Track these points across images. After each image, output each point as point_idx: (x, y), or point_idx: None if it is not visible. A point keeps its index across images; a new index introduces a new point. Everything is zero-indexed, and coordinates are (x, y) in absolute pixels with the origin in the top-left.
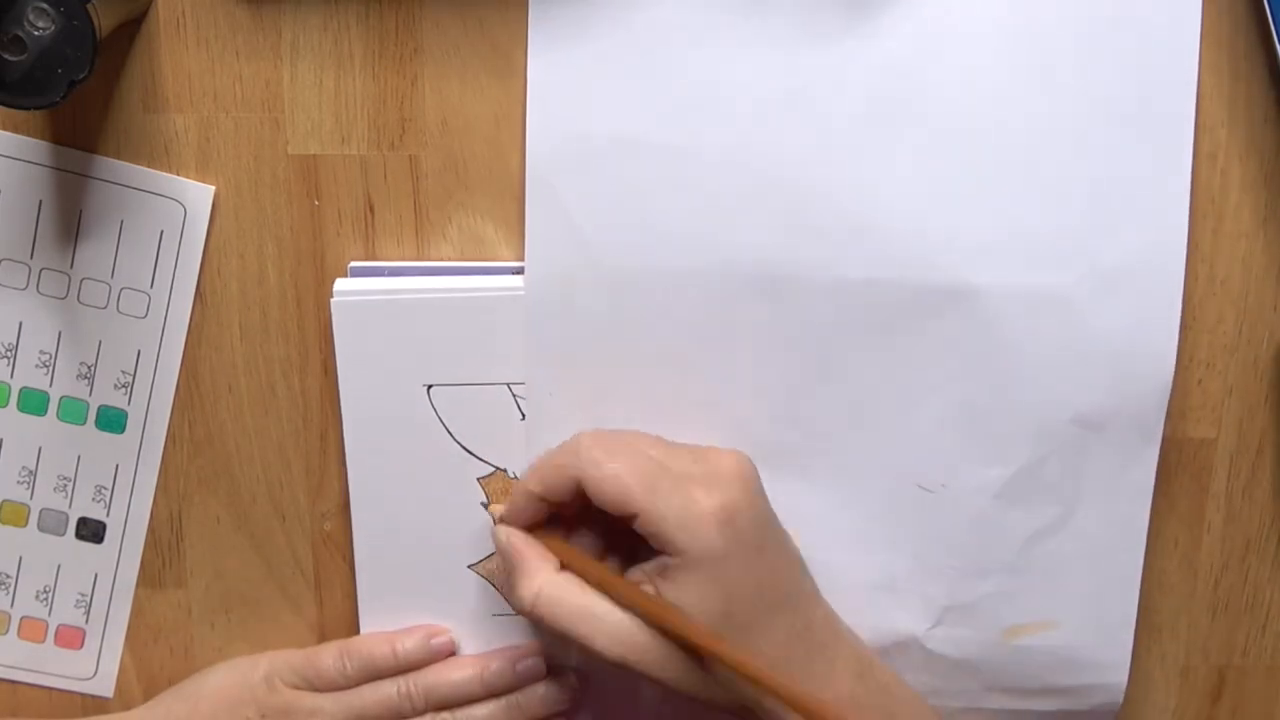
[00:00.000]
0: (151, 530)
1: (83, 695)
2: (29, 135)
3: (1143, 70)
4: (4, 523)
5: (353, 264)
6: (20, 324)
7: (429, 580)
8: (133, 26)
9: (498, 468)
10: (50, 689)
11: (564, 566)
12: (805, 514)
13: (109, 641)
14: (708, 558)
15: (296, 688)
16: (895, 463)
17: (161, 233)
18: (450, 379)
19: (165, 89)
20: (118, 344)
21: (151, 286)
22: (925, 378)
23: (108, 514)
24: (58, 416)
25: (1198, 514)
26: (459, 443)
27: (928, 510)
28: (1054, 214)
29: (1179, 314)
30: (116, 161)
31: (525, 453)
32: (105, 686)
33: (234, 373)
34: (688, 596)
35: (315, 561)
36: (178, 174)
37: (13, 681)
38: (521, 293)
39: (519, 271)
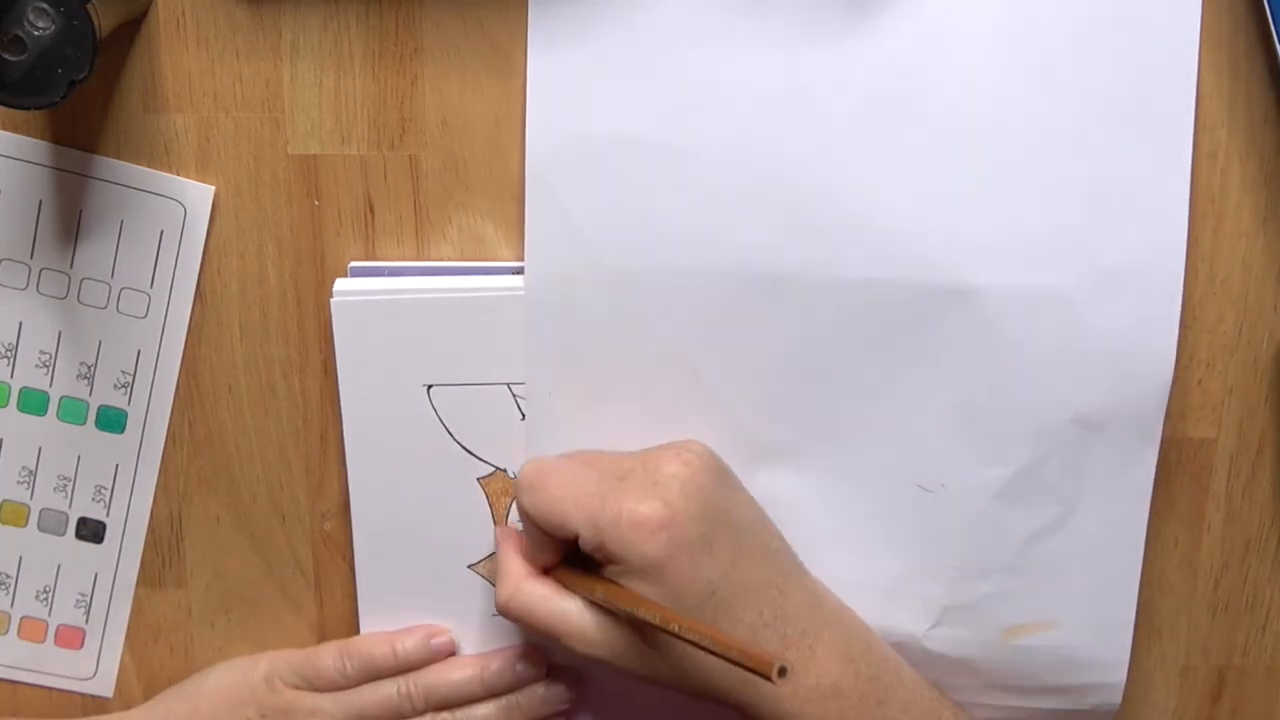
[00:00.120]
0: (151, 530)
1: (83, 695)
2: (29, 135)
3: (1143, 70)
4: (4, 523)
5: (353, 264)
6: (20, 324)
7: (429, 580)
8: (133, 26)
9: (498, 468)
10: (50, 689)
11: (546, 571)
12: (804, 513)
13: (109, 641)
14: (648, 566)
15: (296, 688)
16: (895, 462)
17: (161, 233)
18: (450, 379)
19: (165, 89)
20: (118, 344)
21: (151, 286)
22: (925, 377)
23: (108, 514)
24: (58, 416)
25: (1198, 514)
26: (459, 443)
27: (927, 510)
28: (1054, 214)
29: (1179, 313)
30: (116, 161)
31: (525, 453)
32: (105, 686)
33: (234, 373)
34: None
35: (315, 561)
36: (178, 174)
37: (13, 681)
38: (521, 293)
39: (519, 271)
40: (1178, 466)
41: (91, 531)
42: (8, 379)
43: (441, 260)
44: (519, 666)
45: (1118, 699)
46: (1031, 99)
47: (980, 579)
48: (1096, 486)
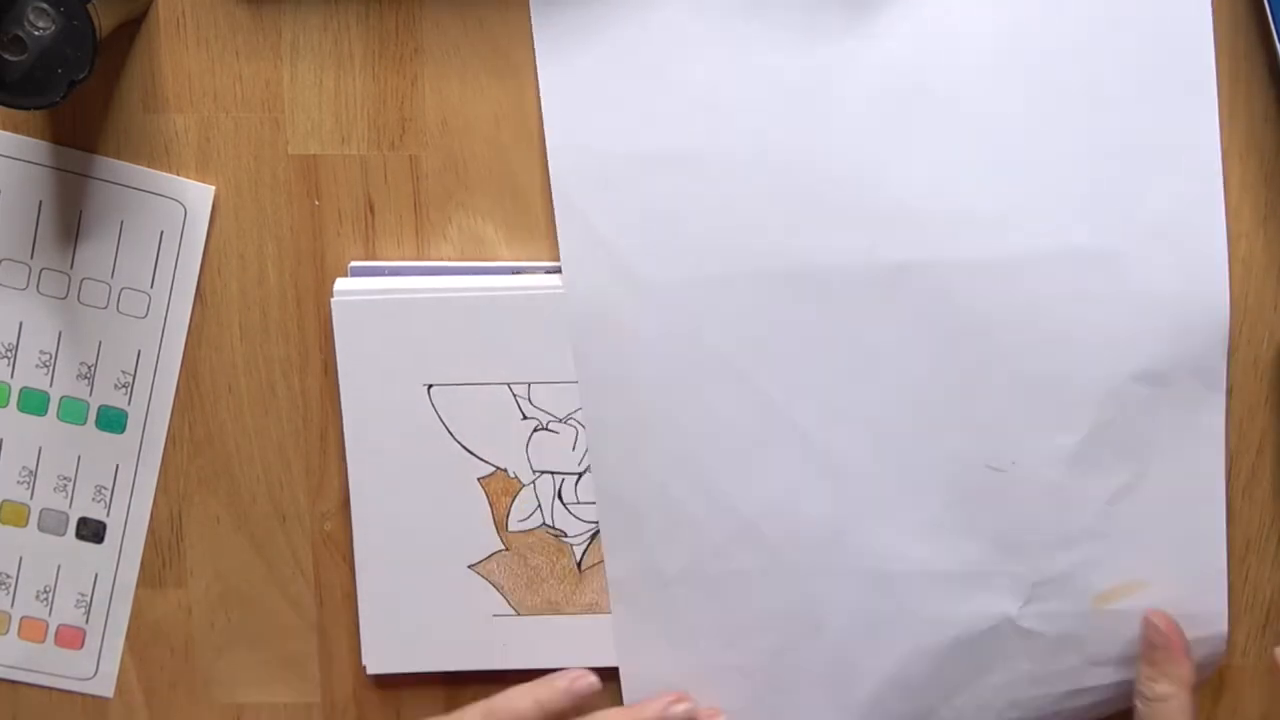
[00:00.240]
0: (151, 530)
1: (83, 695)
2: (29, 135)
3: (1160, 28)
4: (4, 523)
5: (353, 264)
6: (20, 324)
7: (429, 579)
8: (133, 26)
9: (498, 467)
10: (50, 689)
11: None
12: (877, 512)
13: (109, 641)
14: None
15: None
16: (961, 447)
17: (162, 233)
18: (451, 379)
19: (165, 89)
20: (118, 344)
21: (152, 286)
22: (979, 355)
23: (108, 514)
24: (58, 416)
25: None
26: (459, 442)
27: (1001, 489)
28: (1085, 174)
29: (1225, 257)
30: (116, 161)
31: (595, 489)
32: (105, 686)
33: (234, 373)
34: None
35: (315, 561)
36: (178, 174)
37: (13, 682)
38: (520, 292)
39: (518, 271)
40: None
41: (92, 531)
42: (8, 379)
43: (441, 260)
44: (576, 687)
45: (1221, 649)
46: (1052, 66)
47: (1064, 549)
48: (1168, 440)
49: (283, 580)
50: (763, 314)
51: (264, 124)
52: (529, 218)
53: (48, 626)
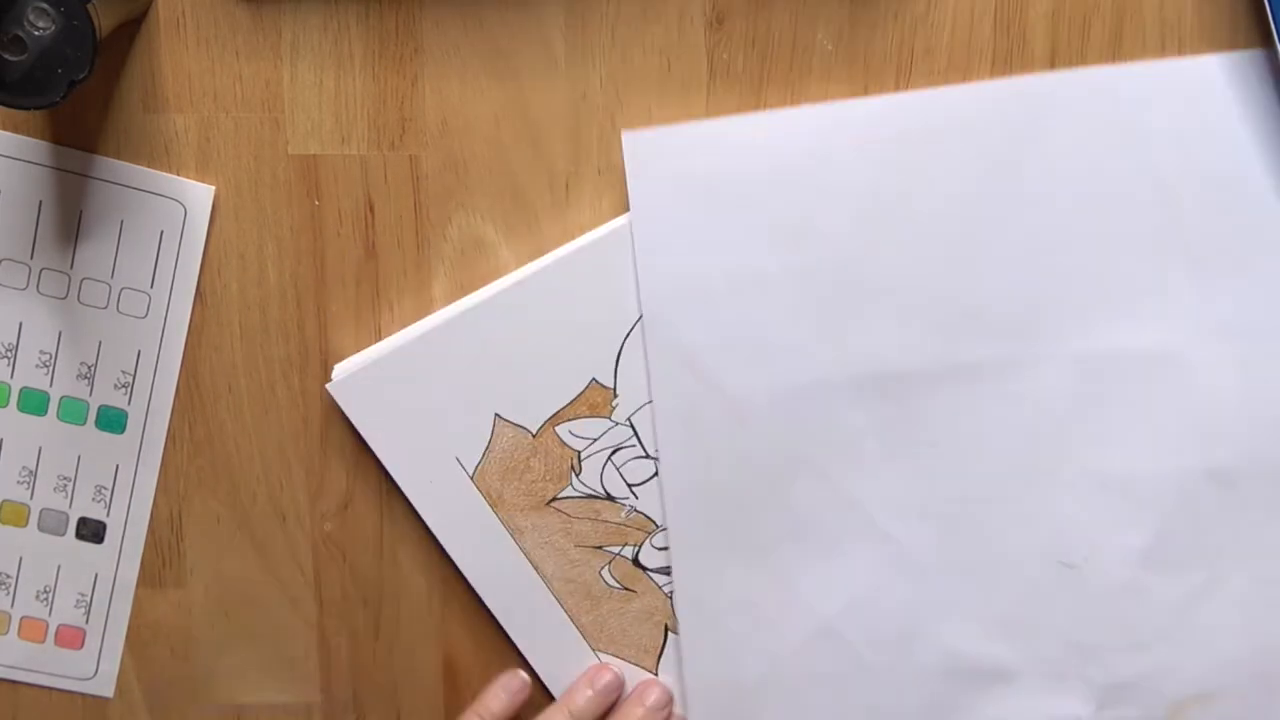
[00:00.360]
0: (151, 530)
1: (83, 695)
2: (29, 135)
3: (1233, 139)
4: (4, 523)
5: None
6: (20, 324)
7: None
8: (133, 26)
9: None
10: (50, 689)
11: None
12: (952, 609)
13: (109, 641)
14: None
15: None
16: (1035, 542)
17: (162, 233)
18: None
19: (165, 89)
20: (118, 344)
21: (152, 286)
22: (1051, 452)
23: (108, 514)
24: (58, 416)
25: None
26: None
27: (1073, 586)
28: (1156, 278)
29: None
30: (116, 161)
31: (678, 600)
32: (105, 686)
33: (234, 373)
34: None
35: (315, 561)
36: (178, 174)
37: (13, 682)
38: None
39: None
40: None
41: (91, 531)
42: (8, 379)
43: (439, 266)
44: (600, 684)
45: None
46: (1126, 176)
47: (1137, 652)
48: (1239, 544)
49: (283, 580)
50: (844, 416)
51: (264, 124)
52: (529, 218)
53: (48, 626)
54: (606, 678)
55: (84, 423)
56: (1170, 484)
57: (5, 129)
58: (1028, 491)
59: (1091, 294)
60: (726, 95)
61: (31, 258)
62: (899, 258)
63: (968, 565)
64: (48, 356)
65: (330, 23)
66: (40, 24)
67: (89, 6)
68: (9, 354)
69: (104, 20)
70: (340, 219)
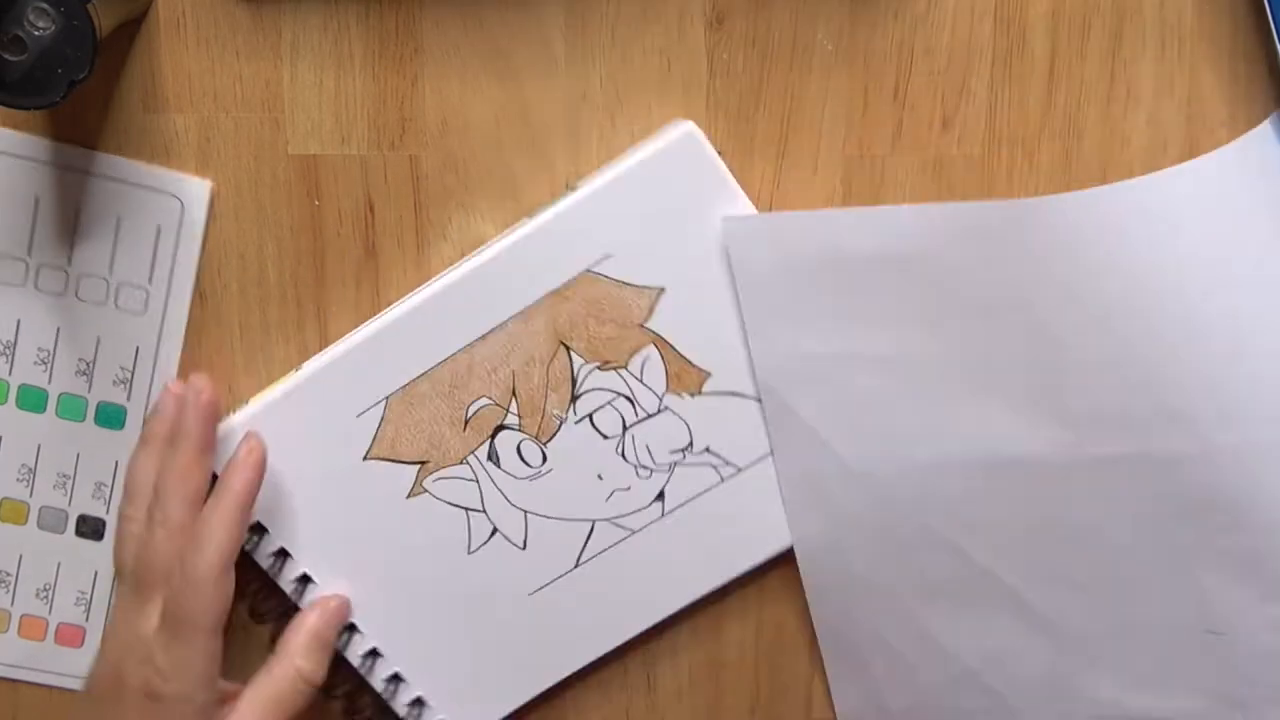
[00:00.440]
0: None
1: None
2: (28, 132)
3: None
4: (3, 520)
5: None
6: (18, 321)
7: None
8: (133, 26)
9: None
10: (51, 688)
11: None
12: (1095, 665)
13: None
14: None
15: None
16: (1180, 614)
17: (159, 228)
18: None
19: (165, 89)
20: (116, 340)
21: (150, 282)
22: (1187, 536)
23: (107, 511)
24: (56, 413)
25: None
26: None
27: (1219, 650)
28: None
29: None
30: (114, 157)
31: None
32: None
33: (234, 373)
34: None
35: None
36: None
37: (13, 680)
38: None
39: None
40: None
41: (91, 529)
42: (6, 376)
43: (441, 262)
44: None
45: None
46: (1256, 281)
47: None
48: None
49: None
50: (970, 495)
51: (264, 124)
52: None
53: (48, 625)
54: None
55: (83, 419)
56: None
57: (4, 126)
58: (1164, 570)
59: (1225, 393)
60: (726, 95)
61: (29, 254)
62: (1019, 351)
63: (1111, 630)
64: (46, 353)
65: (330, 23)
66: (40, 24)
67: (89, 6)
68: (7, 351)
69: (104, 20)
70: (340, 219)
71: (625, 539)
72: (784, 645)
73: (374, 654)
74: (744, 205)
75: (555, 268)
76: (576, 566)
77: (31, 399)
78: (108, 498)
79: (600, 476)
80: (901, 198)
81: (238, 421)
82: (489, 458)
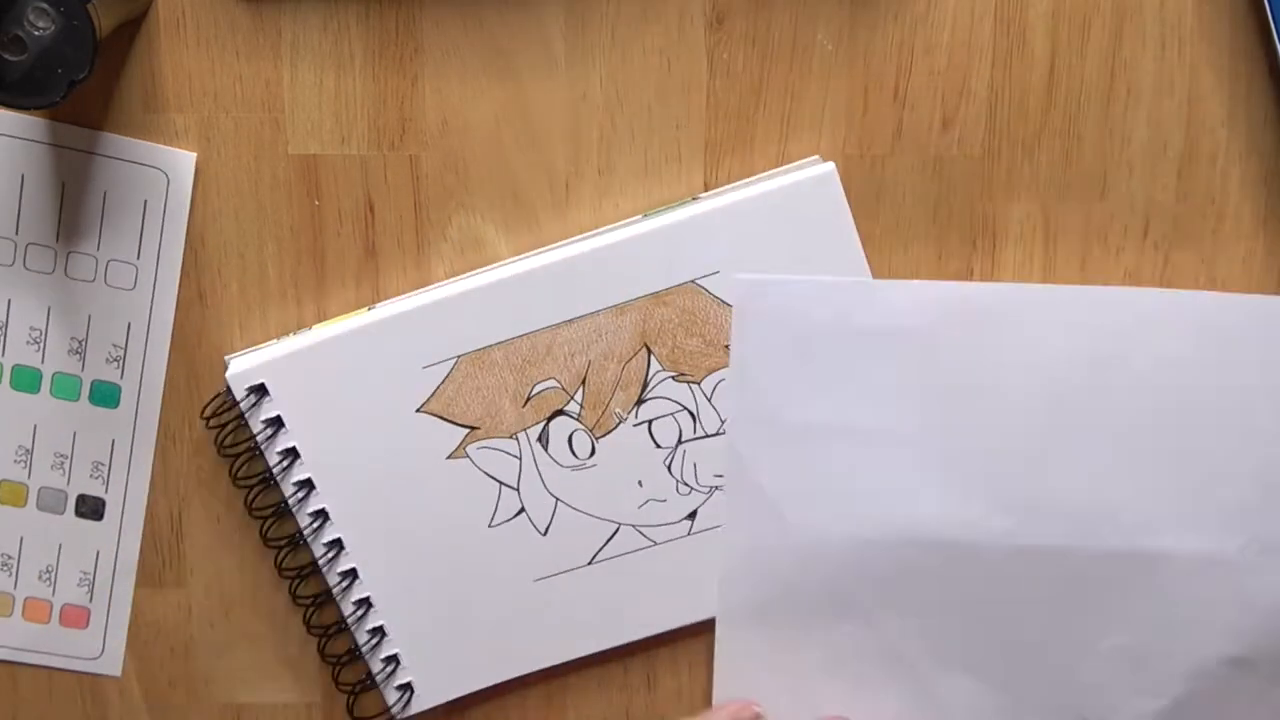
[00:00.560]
0: (152, 530)
1: (92, 675)
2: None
3: None
4: (3, 503)
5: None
6: (9, 301)
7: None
8: (133, 26)
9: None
10: (58, 670)
11: None
12: None
13: (114, 620)
14: None
15: None
16: (1062, 701)
17: (145, 202)
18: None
19: (165, 89)
20: (107, 317)
21: (138, 257)
22: (1094, 626)
23: (106, 490)
24: (51, 393)
25: None
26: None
27: None
28: (1223, 492)
29: None
30: (98, 132)
31: (716, 685)
32: (113, 665)
33: None
34: None
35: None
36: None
37: (19, 664)
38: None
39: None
40: None
41: (91, 508)
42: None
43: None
44: None
45: None
46: (1208, 398)
47: None
48: (1246, 714)
49: (283, 580)
50: (898, 573)
51: (264, 124)
52: (529, 218)
53: (51, 607)
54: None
55: (77, 398)
56: (1194, 664)
57: None
58: (1062, 659)
59: (1163, 501)
60: (726, 95)
61: (16, 233)
62: (984, 436)
63: (995, 711)
64: (38, 333)
65: (330, 23)
66: (40, 24)
67: (89, 6)
68: None
69: (104, 20)
70: (340, 219)
71: (645, 548)
72: None
73: (366, 603)
74: (858, 259)
75: (662, 271)
76: (590, 564)
77: (26, 379)
78: (106, 477)
79: (640, 483)
80: (902, 197)
81: (302, 344)
82: (539, 439)
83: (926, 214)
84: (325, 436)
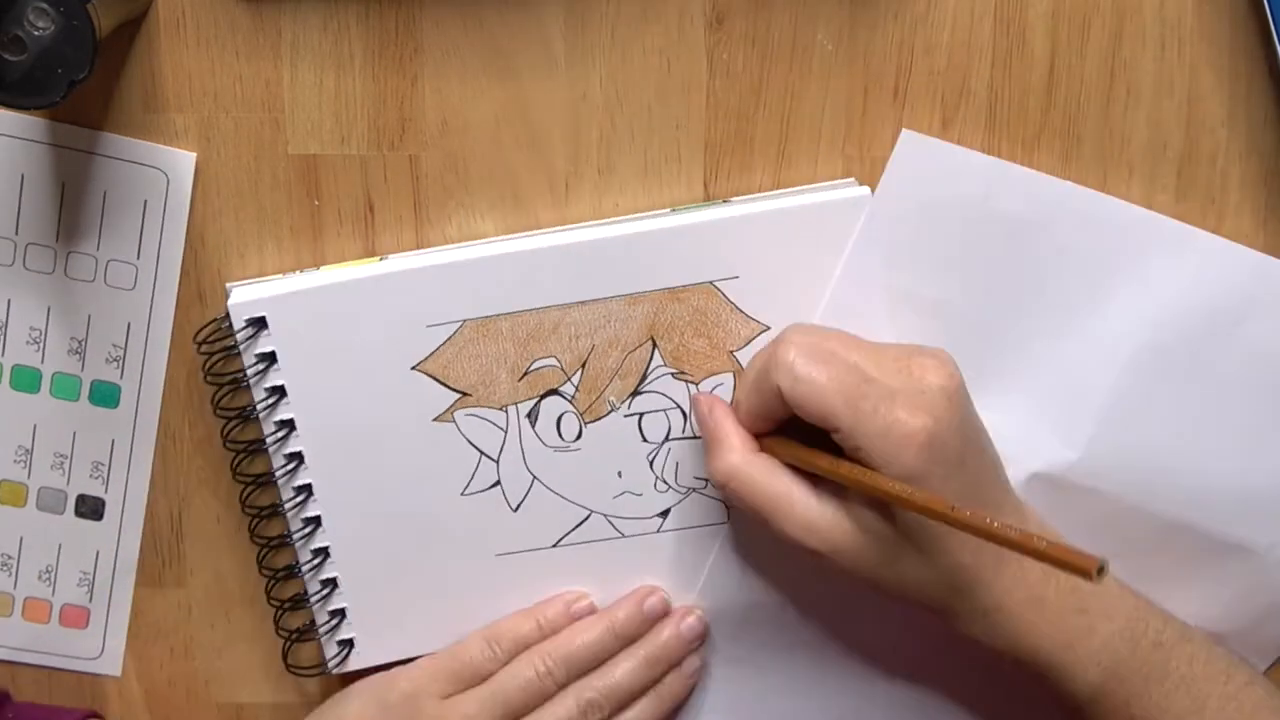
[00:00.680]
0: (152, 530)
1: (92, 675)
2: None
3: None
4: (3, 503)
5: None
6: (9, 301)
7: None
8: (133, 26)
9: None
10: (58, 669)
11: (765, 446)
12: None
13: (114, 620)
14: (905, 476)
15: (446, 695)
16: None
17: (145, 202)
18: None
19: (165, 89)
20: (107, 317)
21: (138, 257)
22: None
23: (105, 490)
24: (51, 393)
25: None
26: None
27: None
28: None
29: None
30: (98, 132)
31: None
32: (113, 665)
33: None
34: (883, 508)
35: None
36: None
37: (19, 664)
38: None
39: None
40: None
41: (91, 509)
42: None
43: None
44: (646, 606)
45: None
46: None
47: None
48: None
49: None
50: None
51: (264, 124)
52: (529, 218)
53: (51, 607)
54: (653, 600)
55: (77, 398)
56: None
57: None
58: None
59: (1226, 478)
60: (726, 95)
61: (16, 233)
62: (1073, 358)
63: None
64: (38, 333)
65: (330, 23)
66: (40, 24)
67: (89, 6)
68: None
69: (104, 20)
70: (340, 219)
71: (613, 539)
72: None
73: (324, 553)
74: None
75: (683, 267)
76: (554, 546)
77: (25, 379)
78: (105, 477)
79: (620, 474)
80: None
81: (308, 283)
82: (528, 415)
83: None
84: (315, 380)
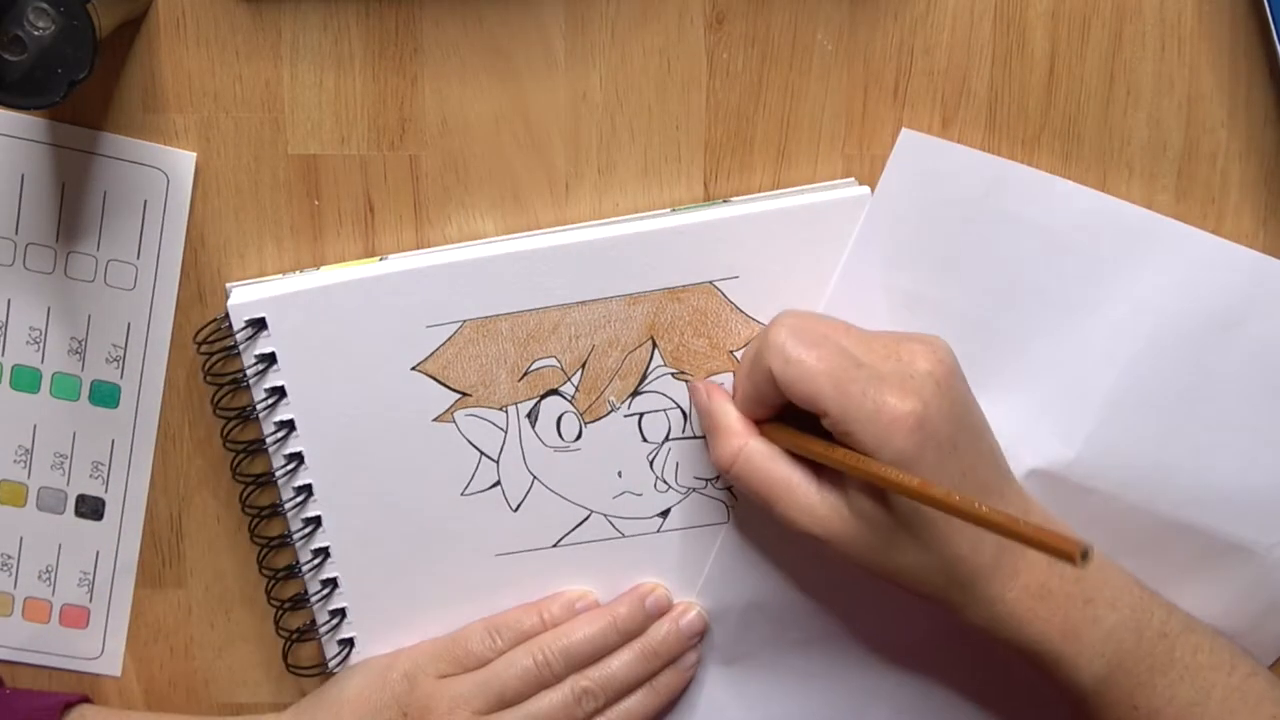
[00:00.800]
0: (151, 530)
1: (92, 675)
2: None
3: None
4: (3, 503)
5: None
6: (9, 301)
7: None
8: (133, 26)
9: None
10: (58, 669)
11: (762, 433)
12: None
13: (114, 620)
14: (897, 462)
15: (444, 676)
16: None
17: (145, 202)
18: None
19: (165, 89)
20: (107, 317)
21: (138, 258)
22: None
23: (105, 490)
24: (51, 393)
25: None
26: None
27: None
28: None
29: None
30: (98, 132)
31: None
32: (113, 665)
33: None
34: (880, 495)
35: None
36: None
37: (19, 664)
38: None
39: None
40: None
41: (91, 508)
42: None
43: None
44: (648, 603)
45: None
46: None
47: None
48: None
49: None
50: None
51: (264, 124)
52: (529, 218)
53: (51, 607)
54: (655, 597)
55: (77, 398)
56: None
57: None
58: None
59: (1224, 477)
60: (726, 95)
61: (16, 233)
62: (1072, 355)
63: None
64: (38, 333)
65: (330, 23)
66: (40, 24)
67: (89, 6)
68: None
69: (104, 20)
70: (340, 219)
71: (613, 539)
72: None
73: (324, 553)
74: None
75: (683, 267)
76: (554, 546)
77: (25, 379)
78: (105, 477)
79: (620, 474)
80: None
81: (308, 284)
82: (528, 415)
83: None
84: (315, 380)
